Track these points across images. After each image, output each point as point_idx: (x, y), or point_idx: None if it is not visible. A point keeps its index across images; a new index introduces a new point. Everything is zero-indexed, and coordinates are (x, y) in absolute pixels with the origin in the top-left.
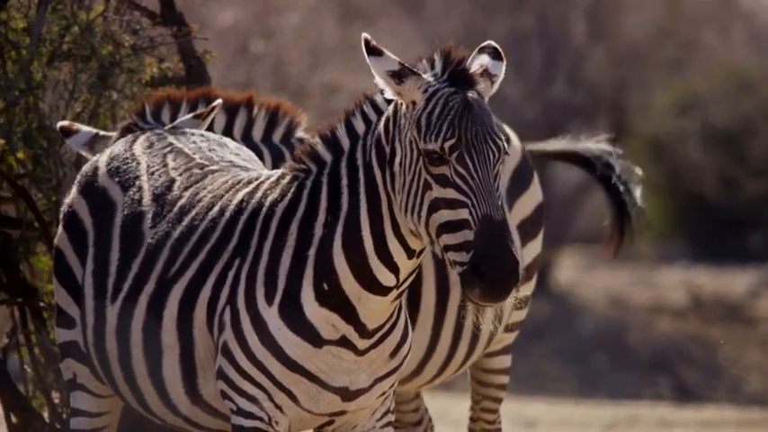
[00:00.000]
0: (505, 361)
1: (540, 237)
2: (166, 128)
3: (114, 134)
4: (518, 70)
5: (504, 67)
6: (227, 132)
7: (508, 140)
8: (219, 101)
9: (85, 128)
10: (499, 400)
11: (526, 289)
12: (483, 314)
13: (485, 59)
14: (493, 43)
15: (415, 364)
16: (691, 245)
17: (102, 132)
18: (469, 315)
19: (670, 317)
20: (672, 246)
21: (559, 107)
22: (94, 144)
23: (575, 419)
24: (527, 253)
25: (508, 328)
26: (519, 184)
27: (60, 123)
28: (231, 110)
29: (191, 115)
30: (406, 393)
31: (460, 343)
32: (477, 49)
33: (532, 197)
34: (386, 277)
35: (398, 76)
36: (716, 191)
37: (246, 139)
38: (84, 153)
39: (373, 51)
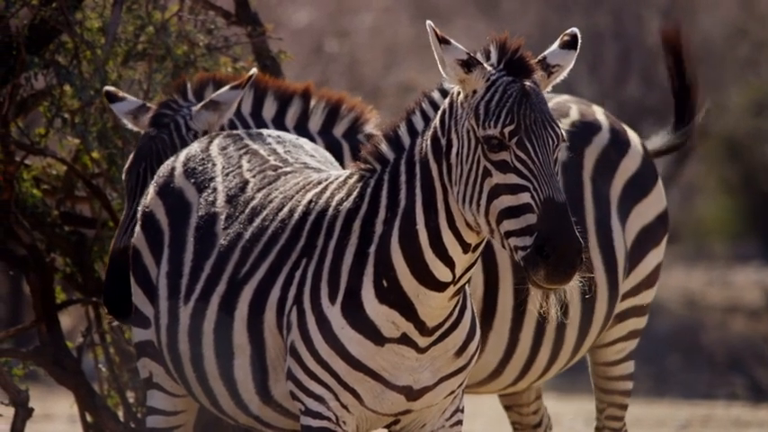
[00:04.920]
0: (629, 367)
1: (662, 245)
2: (204, 102)
3: (153, 107)
4: (592, 70)
5: (573, 57)
6: (280, 120)
7: (628, 143)
8: (254, 70)
9: (133, 98)
10: (624, 407)
11: (646, 297)
12: (546, 299)
13: (554, 48)
14: (574, 31)
15: (492, 366)
16: (766, 244)
17: (148, 104)
18: (534, 301)
19: (745, 317)
20: (747, 245)
21: (633, 107)
22: (139, 114)
23: (649, 419)
24: (648, 261)
25: (630, 336)
26: (638, 189)
27: (107, 88)
28: (284, 99)
29: (227, 87)
30: (527, 396)
31: (541, 348)
32: (561, 36)
33: (654, 204)
34: (442, 272)
35: (467, 65)
36: None
37: (300, 129)
38: (126, 122)
39: (442, 40)
